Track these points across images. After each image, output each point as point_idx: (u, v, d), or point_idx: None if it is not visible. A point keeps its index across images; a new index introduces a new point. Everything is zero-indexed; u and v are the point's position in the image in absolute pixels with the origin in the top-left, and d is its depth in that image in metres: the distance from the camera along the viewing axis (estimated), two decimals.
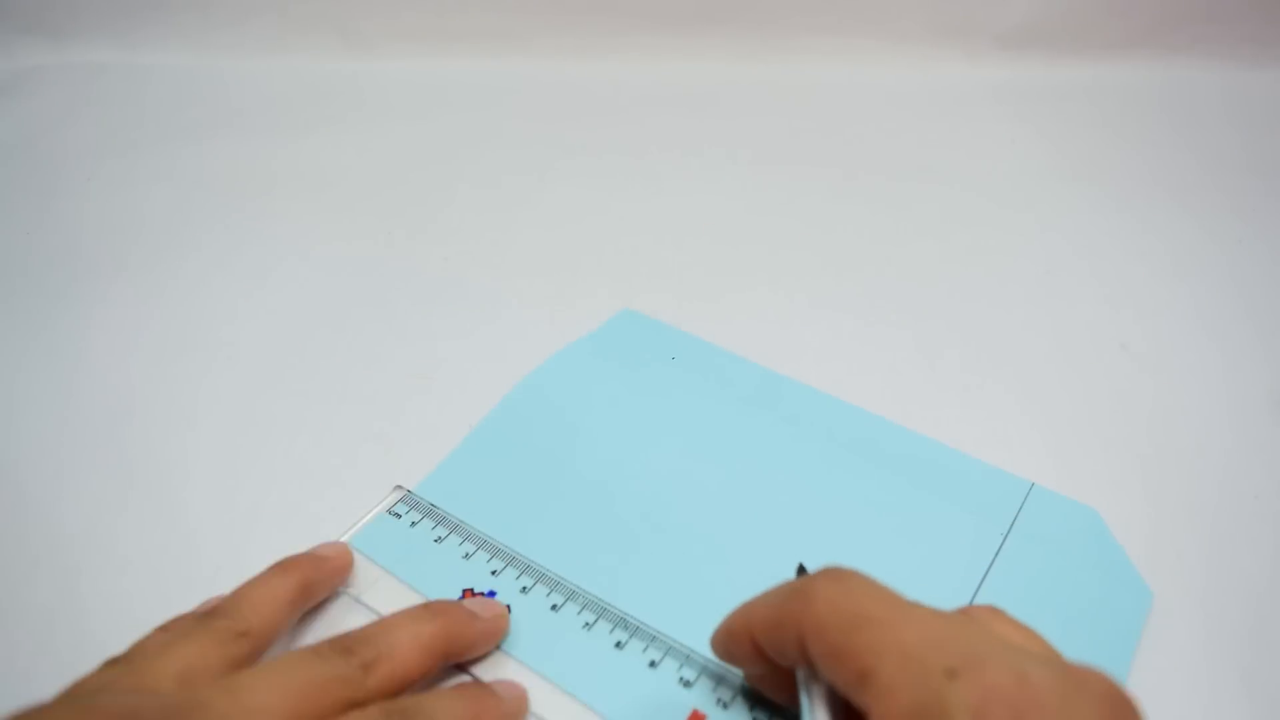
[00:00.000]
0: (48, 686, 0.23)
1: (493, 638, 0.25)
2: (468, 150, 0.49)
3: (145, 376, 0.35)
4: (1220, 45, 0.55)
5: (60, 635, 0.26)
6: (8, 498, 0.30)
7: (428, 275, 0.40)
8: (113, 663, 0.21)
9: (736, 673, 0.24)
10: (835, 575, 0.19)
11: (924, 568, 0.27)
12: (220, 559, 0.28)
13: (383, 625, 0.23)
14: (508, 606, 0.26)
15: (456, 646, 0.24)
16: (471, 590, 0.27)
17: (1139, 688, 0.24)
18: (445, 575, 0.27)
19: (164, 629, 0.23)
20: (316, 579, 0.25)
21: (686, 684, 0.24)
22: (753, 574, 0.27)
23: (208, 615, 0.23)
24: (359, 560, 0.27)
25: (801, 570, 0.24)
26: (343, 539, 0.28)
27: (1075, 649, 0.25)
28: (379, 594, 0.26)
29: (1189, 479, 0.31)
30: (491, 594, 0.26)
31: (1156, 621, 0.26)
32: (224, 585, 0.27)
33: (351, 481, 0.30)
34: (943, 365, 0.35)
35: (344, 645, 0.22)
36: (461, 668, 0.25)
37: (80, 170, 0.47)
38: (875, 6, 0.54)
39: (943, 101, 0.53)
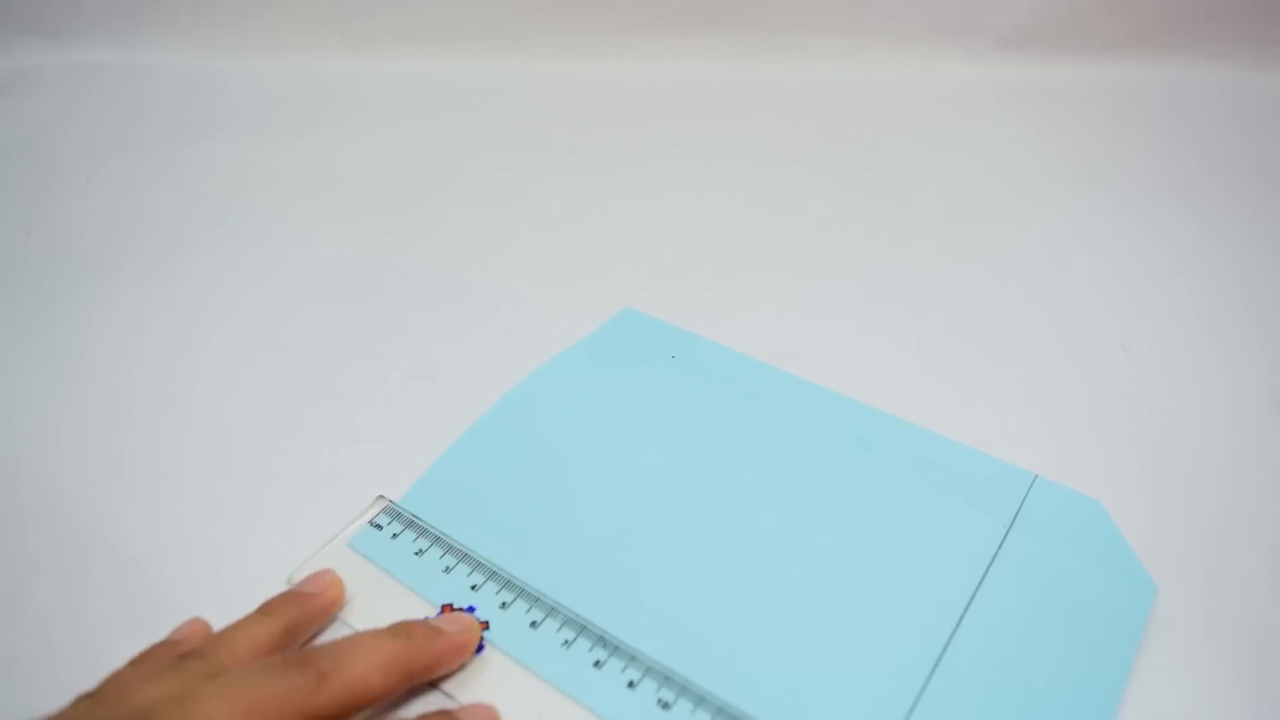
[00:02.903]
0: (47, 687, 0.23)
1: (460, 653, 0.25)
2: (467, 150, 0.49)
3: (145, 376, 0.35)
4: (1220, 45, 0.55)
5: (60, 635, 0.26)
6: (7, 497, 0.30)
7: (427, 275, 0.40)
8: (85, 697, 0.21)
9: (717, 695, 0.24)
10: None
11: (927, 561, 0.27)
12: (220, 559, 0.28)
13: (344, 640, 0.23)
14: (486, 623, 0.26)
15: (418, 666, 0.24)
16: (450, 605, 0.26)
17: (1142, 682, 0.24)
18: (425, 589, 0.27)
19: (137, 663, 0.23)
20: (301, 621, 0.25)
21: (665, 705, 0.24)
22: (751, 577, 0.27)
23: (184, 656, 0.23)
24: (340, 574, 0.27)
25: None
26: (326, 548, 0.28)
27: (1079, 640, 0.25)
28: (355, 609, 0.26)
29: (1189, 480, 0.31)
30: (471, 609, 0.26)
31: (1158, 618, 0.26)
32: (224, 584, 0.27)
33: (351, 482, 0.30)
34: (943, 366, 0.35)
35: (300, 659, 0.22)
36: (436, 684, 0.24)
37: (80, 170, 0.47)
38: (875, 6, 0.54)
39: (943, 101, 0.53)
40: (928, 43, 0.55)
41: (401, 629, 0.24)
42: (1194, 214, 0.44)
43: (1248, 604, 0.27)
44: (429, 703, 0.24)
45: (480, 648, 0.25)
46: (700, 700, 0.24)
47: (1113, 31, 0.55)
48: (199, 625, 0.25)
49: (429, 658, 0.24)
